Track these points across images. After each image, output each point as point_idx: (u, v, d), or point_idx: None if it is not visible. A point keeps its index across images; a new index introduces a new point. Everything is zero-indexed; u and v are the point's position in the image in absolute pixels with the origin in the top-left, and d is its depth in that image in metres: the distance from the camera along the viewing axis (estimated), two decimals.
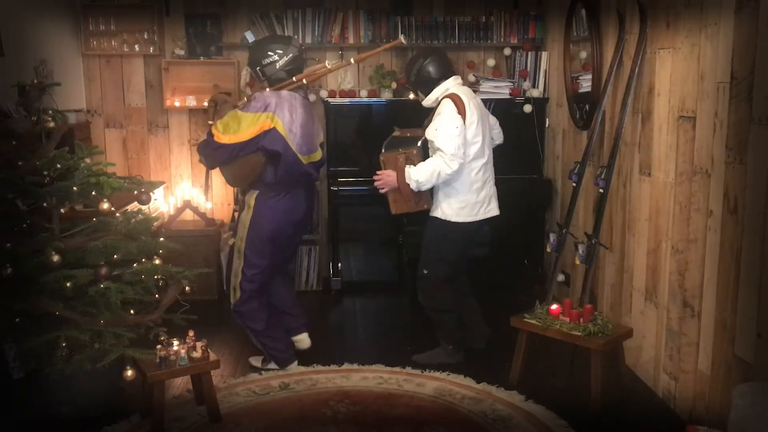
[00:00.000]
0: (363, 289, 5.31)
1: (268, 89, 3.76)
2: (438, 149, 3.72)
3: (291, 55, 3.80)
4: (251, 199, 3.77)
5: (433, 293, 3.99)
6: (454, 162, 3.70)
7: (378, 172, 3.92)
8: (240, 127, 3.59)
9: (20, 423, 3.32)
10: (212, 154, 3.68)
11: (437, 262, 3.95)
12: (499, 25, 5.37)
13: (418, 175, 3.75)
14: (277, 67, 3.77)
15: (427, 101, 3.95)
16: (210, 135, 3.67)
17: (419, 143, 3.91)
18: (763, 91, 2.71)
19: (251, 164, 3.67)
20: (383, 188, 3.92)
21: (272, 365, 3.92)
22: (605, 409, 3.39)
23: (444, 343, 4.05)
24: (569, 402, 3.50)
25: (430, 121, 3.87)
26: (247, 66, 4.05)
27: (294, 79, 3.79)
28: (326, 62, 4.03)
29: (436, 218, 3.92)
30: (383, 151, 3.97)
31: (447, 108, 3.78)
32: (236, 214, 4.13)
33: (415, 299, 4.20)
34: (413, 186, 3.79)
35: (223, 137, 3.60)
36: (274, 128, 3.61)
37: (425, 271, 3.97)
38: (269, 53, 3.78)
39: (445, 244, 3.95)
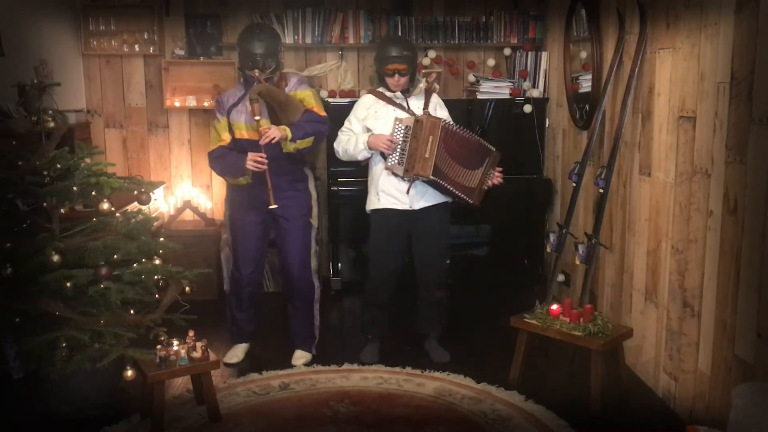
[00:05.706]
0: (363, 289, 5.28)
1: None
2: None
3: None
4: (307, 170, 4.02)
5: (445, 281, 4.11)
6: None
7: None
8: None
9: (20, 423, 3.32)
10: (327, 131, 3.91)
11: (450, 247, 4.12)
12: (499, 25, 5.37)
13: None
14: None
15: (419, 89, 3.94)
16: (320, 115, 3.80)
17: None
18: (763, 91, 2.71)
19: None
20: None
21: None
22: (605, 409, 3.39)
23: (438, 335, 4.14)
24: (569, 402, 3.50)
25: (421, 108, 3.89)
26: (276, 54, 3.80)
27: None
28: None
29: (448, 203, 3.99)
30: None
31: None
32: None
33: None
34: None
35: (323, 112, 3.87)
36: None
37: (448, 261, 4.09)
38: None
39: None
